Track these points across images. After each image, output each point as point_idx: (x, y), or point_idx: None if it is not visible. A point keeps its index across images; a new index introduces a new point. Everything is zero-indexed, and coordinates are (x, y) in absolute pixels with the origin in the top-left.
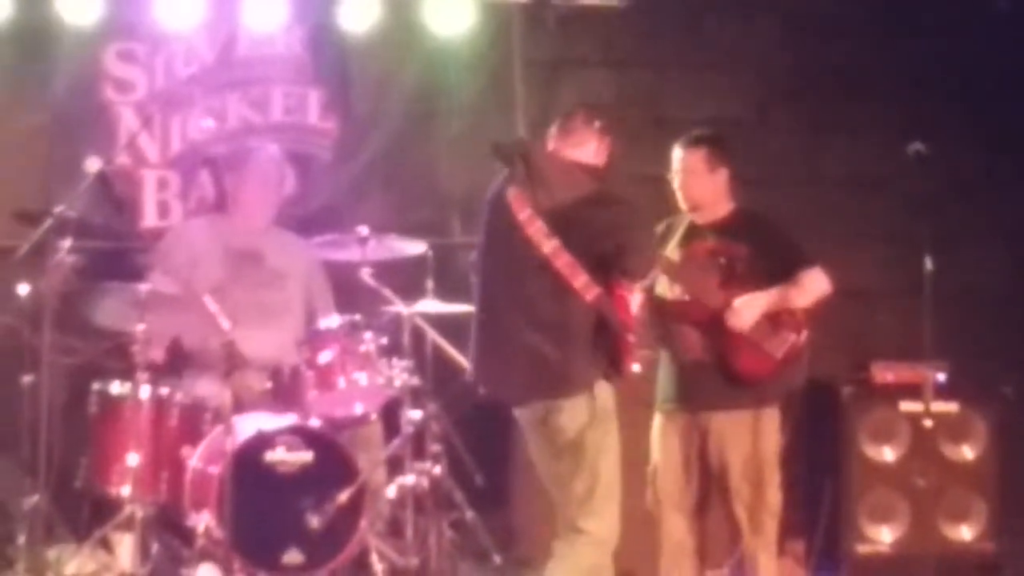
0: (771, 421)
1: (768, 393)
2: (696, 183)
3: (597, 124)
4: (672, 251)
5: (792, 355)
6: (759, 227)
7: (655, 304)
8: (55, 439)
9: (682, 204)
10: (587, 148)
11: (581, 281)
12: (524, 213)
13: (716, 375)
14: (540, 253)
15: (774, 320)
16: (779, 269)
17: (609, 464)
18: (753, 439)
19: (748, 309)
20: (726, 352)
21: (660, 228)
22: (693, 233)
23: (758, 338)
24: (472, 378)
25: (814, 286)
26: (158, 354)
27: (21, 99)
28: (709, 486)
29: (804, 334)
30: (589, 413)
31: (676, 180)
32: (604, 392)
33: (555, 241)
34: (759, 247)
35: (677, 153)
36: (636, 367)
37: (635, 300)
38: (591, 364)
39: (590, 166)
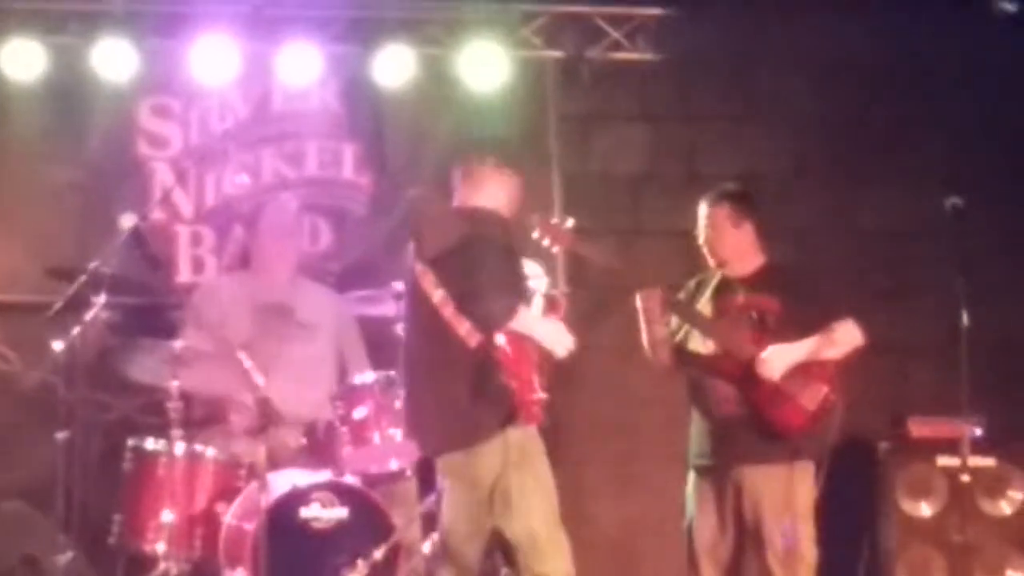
0: (805, 475)
1: (802, 447)
2: (721, 238)
3: (490, 162)
4: (704, 305)
5: (825, 408)
6: (790, 281)
7: (688, 359)
8: (89, 495)
9: (709, 259)
10: (486, 191)
11: (464, 328)
12: (418, 265)
13: (749, 429)
14: (431, 303)
15: (806, 372)
16: (812, 322)
17: (543, 504)
18: (787, 493)
19: (779, 358)
20: (759, 405)
21: (691, 283)
22: (724, 287)
23: (791, 390)
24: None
25: (847, 338)
26: (192, 410)
27: (56, 154)
28: (744, 540)
29: (837, 387)
30: (503, 459)
31: (702, 236)
32: (517, 437)
33: (440, 290)
34: (791, 301)
35: (702, 210)
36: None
37: (544, 330)
38: (489, 412)
39: (474, 209)
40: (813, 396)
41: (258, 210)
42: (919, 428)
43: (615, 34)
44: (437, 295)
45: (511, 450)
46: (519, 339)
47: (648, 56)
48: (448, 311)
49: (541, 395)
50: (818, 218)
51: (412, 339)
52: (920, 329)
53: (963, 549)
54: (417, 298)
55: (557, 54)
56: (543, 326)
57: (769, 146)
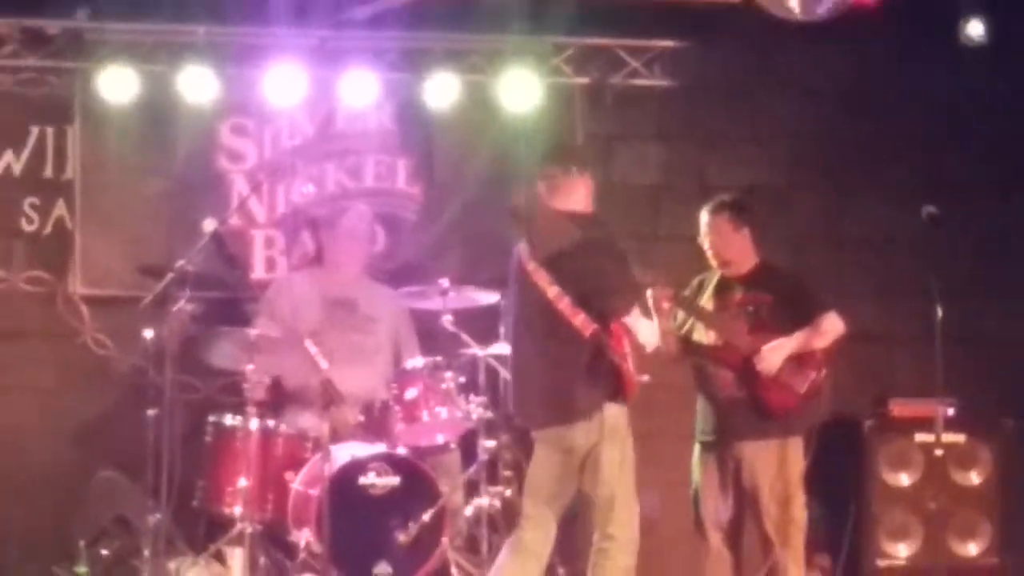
0: (796, 449)
1: (794, 425)
2: (723, 243)
3: (574, 170)
4: (707, 301)
5: (814, 390)
6: (781, 278)
7: (693, 348)
8: (175, 465)
9: (712, 262)
10: (575, 195)
11: (579, 319)
12: (531, 264)
13: (747, 410)
14: (545, 298)
15: (798, 360)
16: (800, 314)
17: (624, 475)
18: (780, 465)
19: (775, 354)
20: (756, 389)
21: (694, 282)
22: (724, 286)
23: (784, 377)
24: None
25: (831, 329)
26: (265, 390)
27: (147, 167)
28: (743, 506)
29: (824, 371)
30: (599, 432)
31: (705, 242)
32: (613, 413)
33: (556, 287)
34: (782, 296)
35: (704, 217)
36: (645, 377)
37: (643, 327)
38: (595, 390)
39: (576, 214)
40: (803, 381)
41: (338, 215)
42: (899, 408)
43: (635, 63)
44: (552, 291)
45: (607, 424)
46: (625, 330)
47: (664, 83)
48: (564, 304)
49: (644, 378)
50: (810, 224)
51: (522, 328)
52: (900, 322)
53: (937, 515)
54: (529, 292)
55: (584, 81)
56: (643, 322)
57: (767, 161)
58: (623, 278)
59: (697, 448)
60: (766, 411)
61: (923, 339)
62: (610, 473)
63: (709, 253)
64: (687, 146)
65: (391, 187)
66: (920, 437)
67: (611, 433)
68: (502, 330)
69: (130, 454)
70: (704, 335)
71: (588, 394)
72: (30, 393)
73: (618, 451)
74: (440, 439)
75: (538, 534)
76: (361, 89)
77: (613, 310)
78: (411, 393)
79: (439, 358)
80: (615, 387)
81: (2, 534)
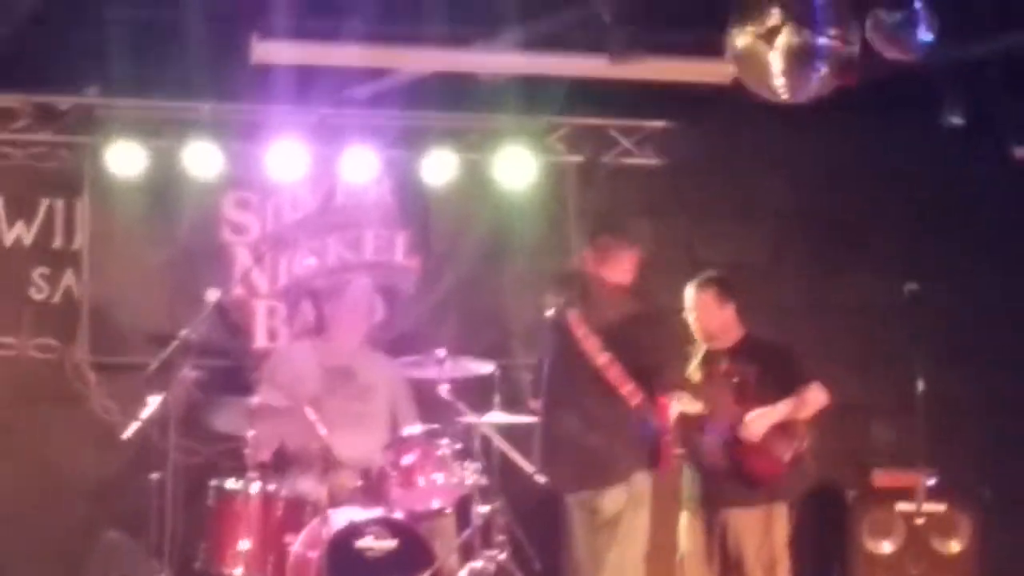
0: (780, 516)
1: (778, 492)
2: (709, 317)
3: (625, 242)
4: (693, 372)
5: (797, 458)
6: (766, 350)
7: (680, 418)
8: (178, 527)
9: (697, 336)
10: (621, 266)
11: (628, 389)
12: (581, 331)
13: (733, 477)
14: (594, 365)
15: (782, 429)
16: (784, 385)
17: (637, 540)
18: (765, 531)
19: (759, 422)
20: (741, 458)
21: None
22: (710, 358)
23: (768, 445)
24: (537, 472)
25: (815, 399)
26: (266, 456)
27: (153, 238)
28: (729, 573)
29: (807, 440)
30: (626, 498)
31: (691, 316)
32: (640, 481)
33: (607, 354)
34: (766, 367)
35: (690, 293)
36: (681, 451)
37: (673, 407)
38: (632, 458)
39: (628, 286)
40: (787, 449)
41: (339, 288)
42: (881, 478)
43: (625, 143)
44: (603, 358)
45: (633, 491)
46: (669, 404)
47: (653, 161)
48: (614, 372)
49: (679, 451)
50: (794, 298)
51: (563, 391)
52: (882, 393)
53: None
54: (575, 358)
55: (577, 159)
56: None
57: (753, 236)
58: (679, 353)
59: (684, 514)
60: (751, 478)
61: (904, 410)
62: (624, 536)
63: (695, 327)
64: (675, 221)
65: (390, 260)
66: (901, 506)
67: (635, 500)
68: (496, 399)
69: (134, 516)
70: (691, 405)
71: (625, 461)
72: (38, 456)
73: (636, 518)
74: (436, 504)
75: None
76: (361, 165)
77: (669, 383)
78: (408, 459)
79: (435, 425)
80: (652, 457)
81: None
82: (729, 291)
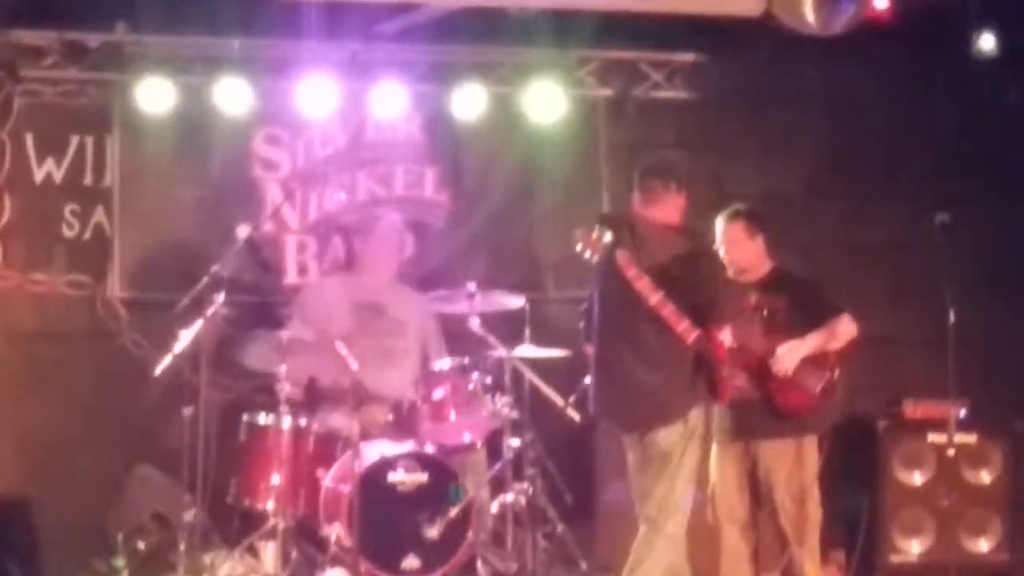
0: (811, 448)
1: (808, 424)
2: (738, 250)
3: (673, 186)
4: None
5: (828, 390)
6: (795, 282)
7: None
8: (210, 462)
9: (728, 268)
10: (669, 209)
11: (683, 326)
12: (632, 271)
13: (763, 410)
14: (647, 304)
15: (812, 361)
16: (814, 317)
17: (686, 476)
18: (795, 463)
19: (790, 355)
20: (771, 390)
21: None
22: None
23: (799, 378)
24: (593, 410)
25: (844, 331)
26: (297, 391)
27: (184, 175)
28: (759, 503)
29: (837, 372)
30: (680, 434)
31: (721, 248)
32: (696, 417)
33: (660, 293)
34: (796, 299)
35: (720, 225)
36: (740, 381)
37: (726, 338)
38: (690, 394)
39: (677, 226)
40: (818, 381)
41: (370, 223)
42: (912, 409)
43: (656, 76)
44: (655, 297)
45: (688, 427)
46: (718, 333)
47: (683, 95)
48: (668, 310)
49: (739, 382)
50: (825, 231)
51: (614, 331)
52: (914, 326)
53: (949, 513)
54: (626, 297)
55: (607, 93)
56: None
57: (784, 170)
58: (729, 287)
59: (715, 447)
60: (781, 411)
61: (935, 342)
62: (675, 470)
63: (725, 260)
64: (706, 155)
65: (420, 195)
66: (933, 437)
67: (689, 436)
68: (527, 333)
69: (167, 451)
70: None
71: (682, 398)
72: (70, 392)
73: (688, 453)
74: (467, 438)
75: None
76: (391, 100)
77: (721, 317)
78: (438, 393)
79: (466, 360)
80: (712, 389)
81: (43, 528)
82: (758, 223)
